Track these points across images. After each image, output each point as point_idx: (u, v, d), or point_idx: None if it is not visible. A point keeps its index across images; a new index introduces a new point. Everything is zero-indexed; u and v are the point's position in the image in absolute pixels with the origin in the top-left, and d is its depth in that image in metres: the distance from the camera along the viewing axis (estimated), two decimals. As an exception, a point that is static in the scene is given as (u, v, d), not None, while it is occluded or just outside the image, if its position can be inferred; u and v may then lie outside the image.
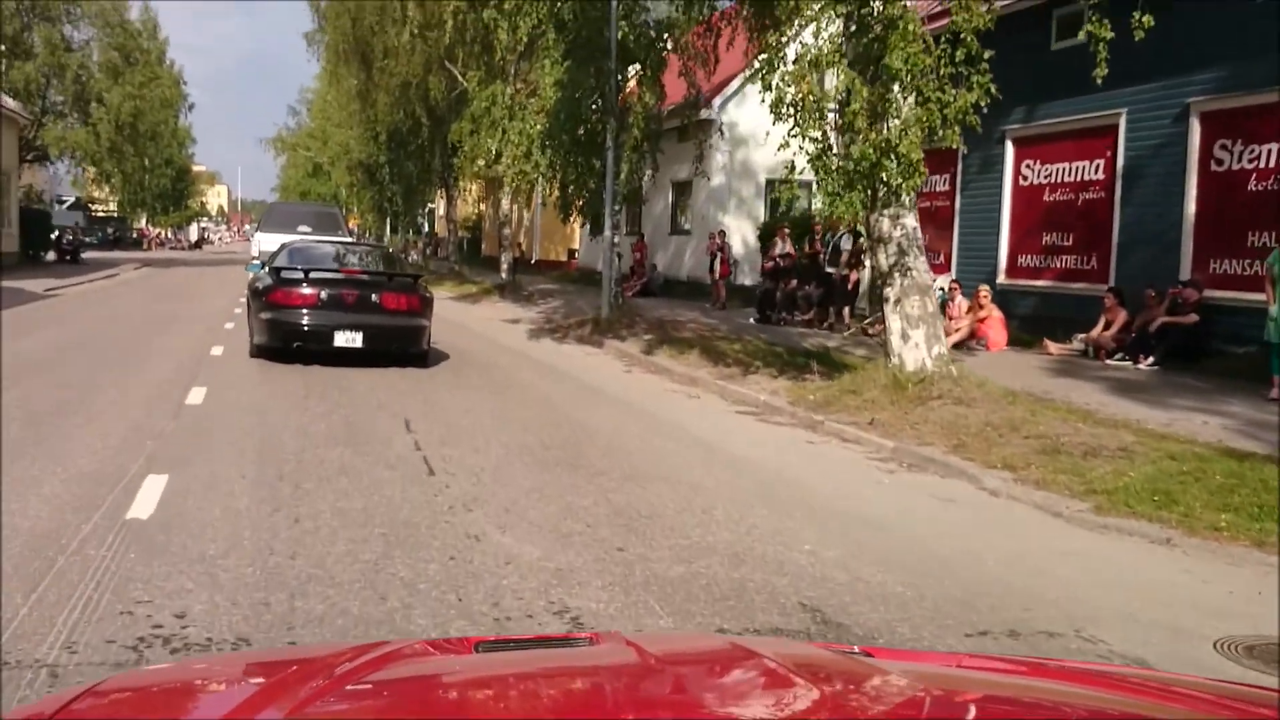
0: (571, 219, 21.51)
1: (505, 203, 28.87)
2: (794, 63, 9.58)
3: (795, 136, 9.61)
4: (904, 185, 9.24)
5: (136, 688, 1.63)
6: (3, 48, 36.15)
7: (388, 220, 53.99)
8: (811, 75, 9.41)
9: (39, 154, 38.51)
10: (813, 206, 27.19)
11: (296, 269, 12.42)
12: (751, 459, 8.36)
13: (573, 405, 10.73)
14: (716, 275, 23.54)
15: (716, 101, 25.01)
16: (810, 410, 10.31)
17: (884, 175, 9.43)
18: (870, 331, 17.48)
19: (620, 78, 18.71)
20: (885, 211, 10.38)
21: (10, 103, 33.17)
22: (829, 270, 18.10)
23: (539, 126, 20.07)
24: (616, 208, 18.69)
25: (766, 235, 24.00)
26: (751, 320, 19.70)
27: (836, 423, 9.77)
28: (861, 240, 18.47)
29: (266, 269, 13.19)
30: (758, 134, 24.93)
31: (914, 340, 10.55)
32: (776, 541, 5.78)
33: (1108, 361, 13.96)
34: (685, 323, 18.65)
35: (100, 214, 79.85)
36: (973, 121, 9.18)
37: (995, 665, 2.08)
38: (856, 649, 1.82)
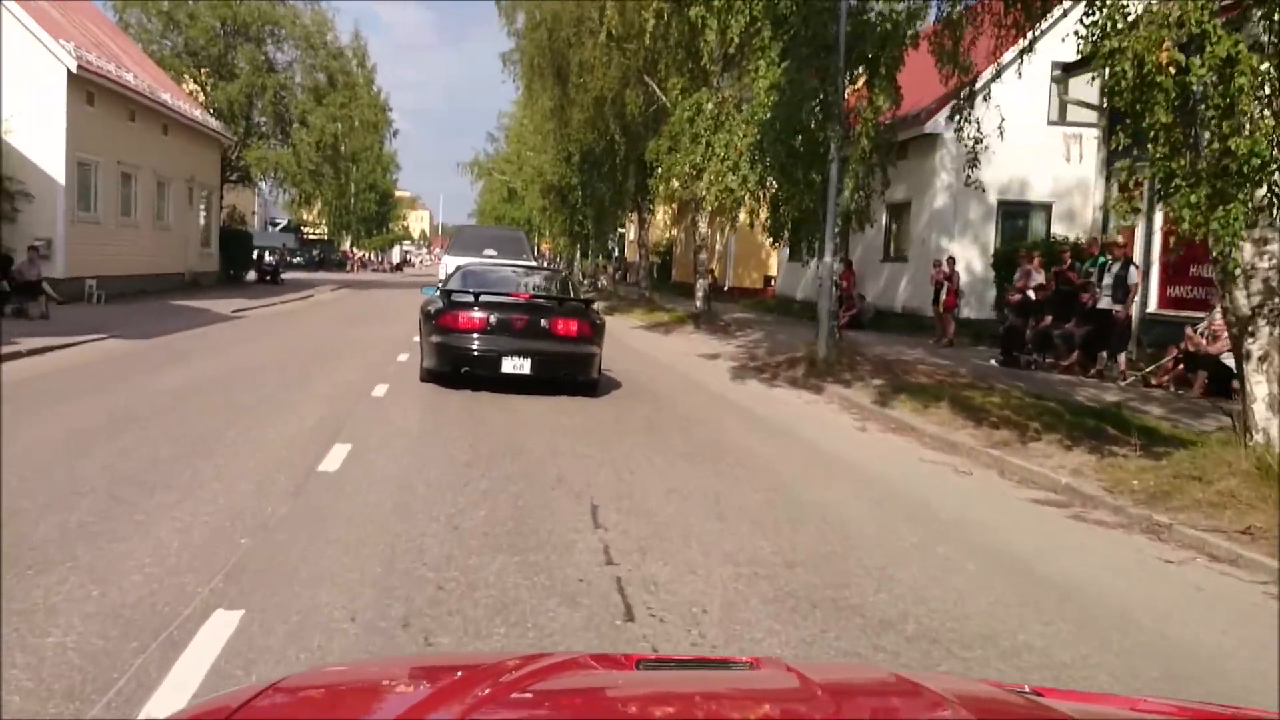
0: (780, 241, 18.99)
1: (702, 225, 26.64)
2: (1143, 24, 6.81)
3: (1145, 128, 6.83)
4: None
5: (317, 685, 1.67)
6: (205, 70, 36.59)
7: (578, 244, 52.78)
8: (1171, 39, 6.63)
9: (242, 174, 38.79)
10: (1051, 229, 23.91)
11: (467, 292, 11.89)
12: (1100, 596, 5.60)
13: (807, 483, 8.19)
14: (942, 308, 20.60)
15: (942, 114, 22.07)
16: (1142, 504, 7.44)
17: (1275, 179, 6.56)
18: (1154, 382, 14.26)
19: (847, 78, 16.14)
20: (1250, 233, 7.45)
21: (213, 123, 33.27)
22: (1114, 307, 14.88)
23: (748, 138, 17.72)
24: (835, 229, 16.05)
25: (1004, 263, 20.86)
26: (993, 362, 16.72)
27: (1190, 527, 6.89)
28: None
29: (439, 292, 12.67)
30: (988, 150, 21.97)
31: (1290, 411, 7.55)
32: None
33: None
34: (914, 363, 15.83)
35: (311, 236, 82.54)
36: None
37: (1171, 710, 1.86)
38: (1027, 688, 1.74)
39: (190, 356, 14.44)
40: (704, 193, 20.97)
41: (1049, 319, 16.44)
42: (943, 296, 20.50)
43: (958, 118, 14.71)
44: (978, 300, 22.98)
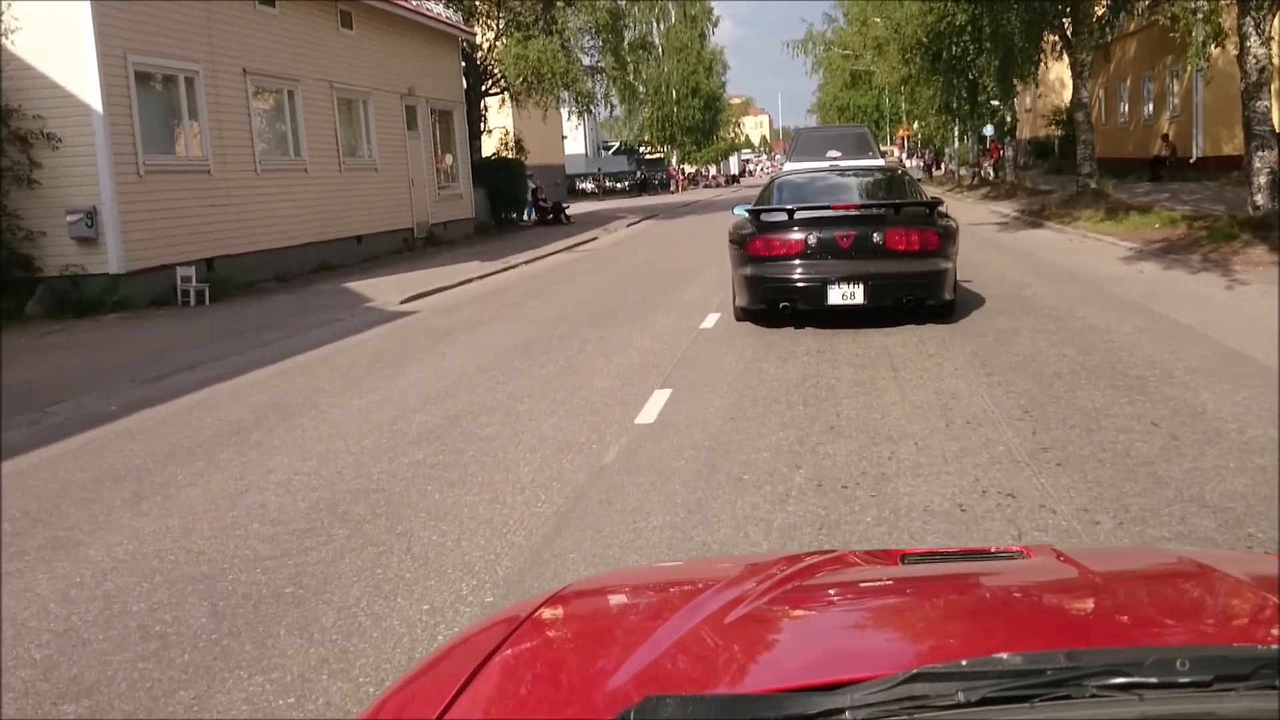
0: None
1: (1256, 44, 13.51)
2: None
3: None
4: None
5: (594, 591, 1.71)
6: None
7: (956, 122, 39.18)
8: None
9: (502, 84, 29.16)
10: None
11: (779, 209, 9.82)
12: None
13: None
14: None
15: None
16: None
17: None
18: None
19: None
20: None
21: (435, 7, 23.54)
22: None
23: None
24: None
25: None
26: None
27: None
28: None
29: (748, 213, 10.26)
30: None
31: None
32: None
33: None
34: None
35: (650, 156, 74.02)
36: None
37: None
38: None
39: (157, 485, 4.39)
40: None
41: None
42: None
43: None
44: None
